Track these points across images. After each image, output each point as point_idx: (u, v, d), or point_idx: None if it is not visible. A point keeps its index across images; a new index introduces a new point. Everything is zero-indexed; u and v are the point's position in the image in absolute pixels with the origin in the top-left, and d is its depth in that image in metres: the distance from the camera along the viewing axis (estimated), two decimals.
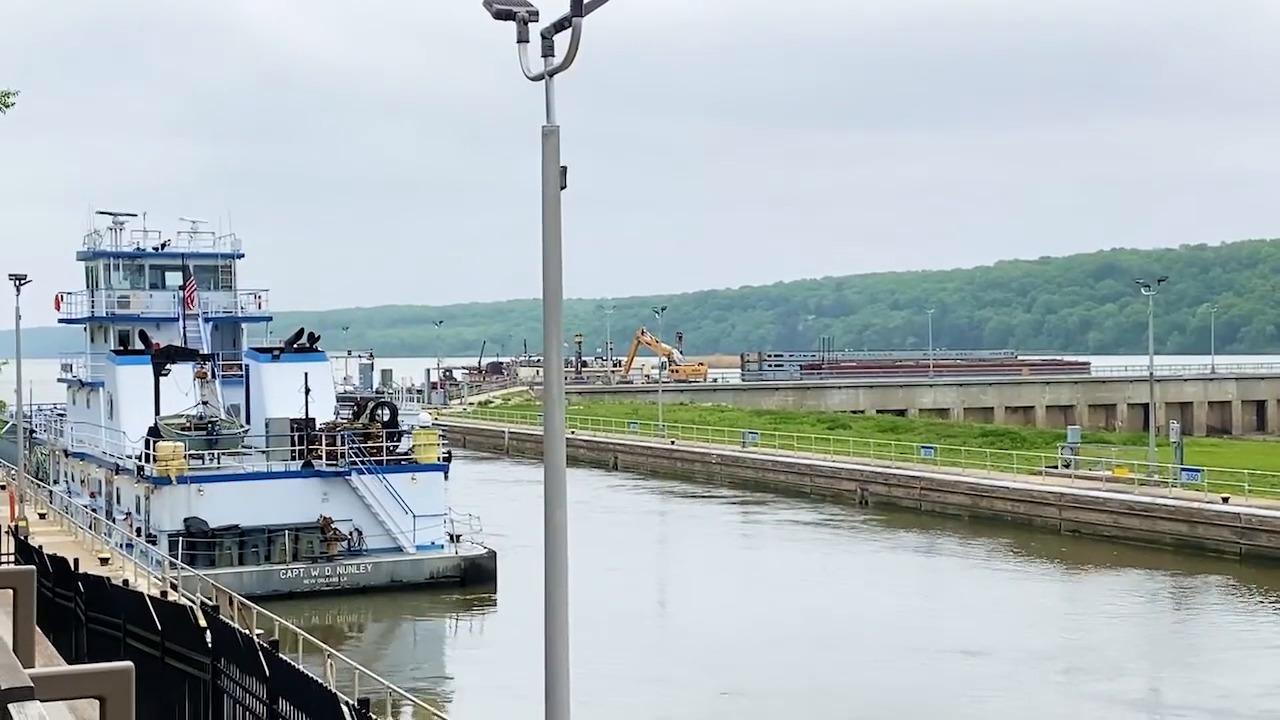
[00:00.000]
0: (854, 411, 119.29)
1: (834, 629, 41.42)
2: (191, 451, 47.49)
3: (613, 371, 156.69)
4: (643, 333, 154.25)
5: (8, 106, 26.02)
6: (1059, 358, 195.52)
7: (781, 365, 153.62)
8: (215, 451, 49.12)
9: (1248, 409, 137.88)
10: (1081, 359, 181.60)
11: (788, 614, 44.10)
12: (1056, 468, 67.78)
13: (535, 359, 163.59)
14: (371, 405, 52.66)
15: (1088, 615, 44.43)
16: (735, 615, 44.34)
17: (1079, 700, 33.03)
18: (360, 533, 47.57)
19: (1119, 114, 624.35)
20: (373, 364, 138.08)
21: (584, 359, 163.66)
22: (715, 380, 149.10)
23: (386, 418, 50.49)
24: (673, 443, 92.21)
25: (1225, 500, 55.29)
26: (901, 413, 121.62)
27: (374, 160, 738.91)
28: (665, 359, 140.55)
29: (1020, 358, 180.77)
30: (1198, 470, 60.20)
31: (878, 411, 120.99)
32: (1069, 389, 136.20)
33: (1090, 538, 58.25)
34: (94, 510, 50.62)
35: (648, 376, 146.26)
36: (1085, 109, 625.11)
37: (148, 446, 47.58)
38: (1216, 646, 39.84)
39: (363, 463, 48.04)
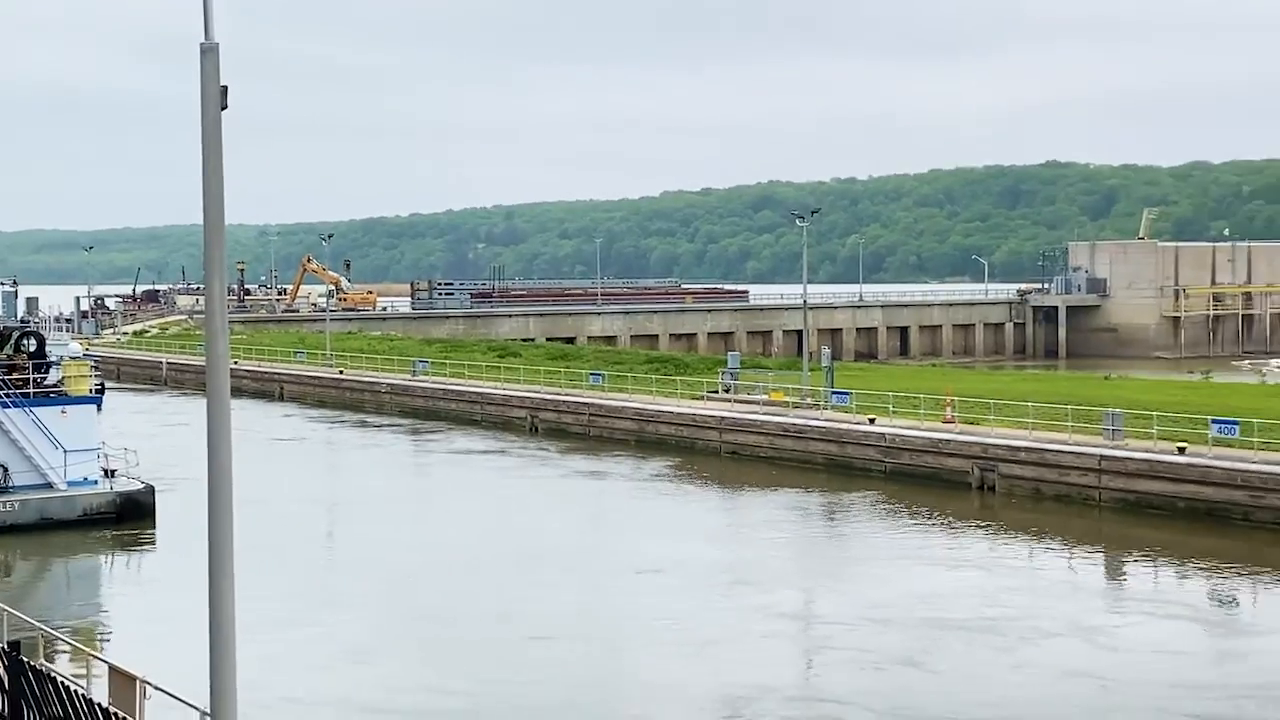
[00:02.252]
0: (524, 340, 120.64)
1: (514, 552, 42.24)
2: None
3: (278, 300, 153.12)
4: (309, 260, 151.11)
5: None
6: (720, 286, 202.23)
7: (452, 294, 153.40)
8: None
9: (892, 335, 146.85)
10: (741, 288, 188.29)
11: (467, 539, 44.75)
12: (717, 393, 70.64)
13: (195, 287, 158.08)
14: (16, 335, 50.05)
15: (748, 532, 46.56)
16: (413, 542, 44.63)
17: (744, 612, 34.51)
18: (5, 469, 45.63)
19: (784, 53, 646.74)
20: (16, 291, 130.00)
21: (247, 287, 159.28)
22: (385, 309, 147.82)
23: (33, 348, 48.32)
24: (341, 372, 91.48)
25: (871, 421, 58.86)
26: (571, 340, 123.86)
27: (16, 76, 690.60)
28: (333, 287, 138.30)
29: (684, 286, 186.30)
30: (847, 393, 63.97)
31: (547, 339, 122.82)
32: (729, 316, 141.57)
33: (749, 458, 61.13)
34: None
35: (314, 305, 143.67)
36: (753, 48, 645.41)
37: None
38: (866, 558, 42.25)
39: (7, 396, 45.92)
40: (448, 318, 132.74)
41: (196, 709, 14.21)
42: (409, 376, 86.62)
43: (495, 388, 79.44)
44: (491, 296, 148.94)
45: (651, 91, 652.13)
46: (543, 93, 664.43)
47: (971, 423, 57.20)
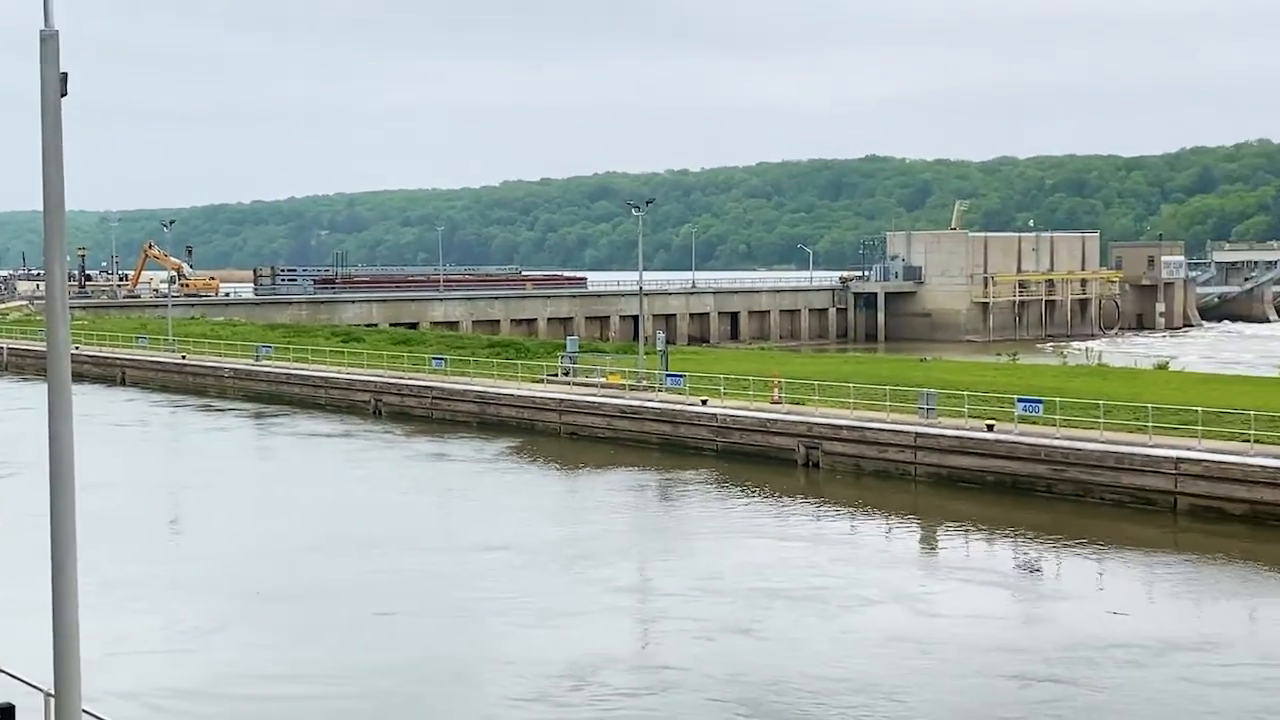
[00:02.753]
0: (368, 325, 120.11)
1: (359, 532, 42.37)
2: None
3: (119, 286, 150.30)
4: (150, 246, 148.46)
5: None
6: (559, 273, 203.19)
7: (295, 280, 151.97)
8: None
9: (723, 320, 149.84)
10: (579, 274, 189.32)
11: (312, 521, 44.88)
12: (557, 376, 71.81)
13: (35, 273, 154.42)
14: None
15: (588, 509, 47.59)
16: (258, 524, 44.78)
17: (586, 586, 35.39)
18: None
19: (620, 48, 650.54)
20: None
21: (88, 273, 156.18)
22: (228, 294, 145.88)
23: None
24: (184, 357, 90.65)
25: (704, 402, 60.52)
26: (414, 325, 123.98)
27: None
28: (174, 273, 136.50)
29: (524, 273, 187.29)
30: (681, 376, 65.79)
31: (391, 325, 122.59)
32: (568, 302, 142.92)
33: (588, 439, 62.39)
34: None
35: (156, 291, 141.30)
36: (591, 43, 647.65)
37: None
38: (699, 533, 43.17)
39: None
40: (291, 303, 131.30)
41: (40, 690, 13.97)
42: (252, 361, 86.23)
43: (339, 372, 79.61)
44: (335, 283, 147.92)
45: (491, 83, 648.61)
46: (384, 82, 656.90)
47: (797, 403, 58.95)
